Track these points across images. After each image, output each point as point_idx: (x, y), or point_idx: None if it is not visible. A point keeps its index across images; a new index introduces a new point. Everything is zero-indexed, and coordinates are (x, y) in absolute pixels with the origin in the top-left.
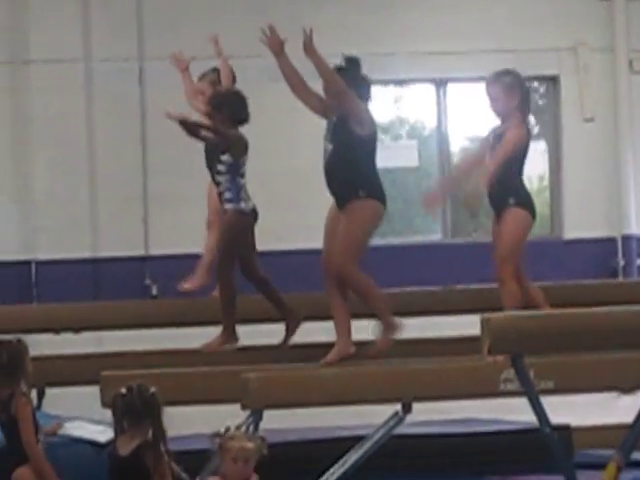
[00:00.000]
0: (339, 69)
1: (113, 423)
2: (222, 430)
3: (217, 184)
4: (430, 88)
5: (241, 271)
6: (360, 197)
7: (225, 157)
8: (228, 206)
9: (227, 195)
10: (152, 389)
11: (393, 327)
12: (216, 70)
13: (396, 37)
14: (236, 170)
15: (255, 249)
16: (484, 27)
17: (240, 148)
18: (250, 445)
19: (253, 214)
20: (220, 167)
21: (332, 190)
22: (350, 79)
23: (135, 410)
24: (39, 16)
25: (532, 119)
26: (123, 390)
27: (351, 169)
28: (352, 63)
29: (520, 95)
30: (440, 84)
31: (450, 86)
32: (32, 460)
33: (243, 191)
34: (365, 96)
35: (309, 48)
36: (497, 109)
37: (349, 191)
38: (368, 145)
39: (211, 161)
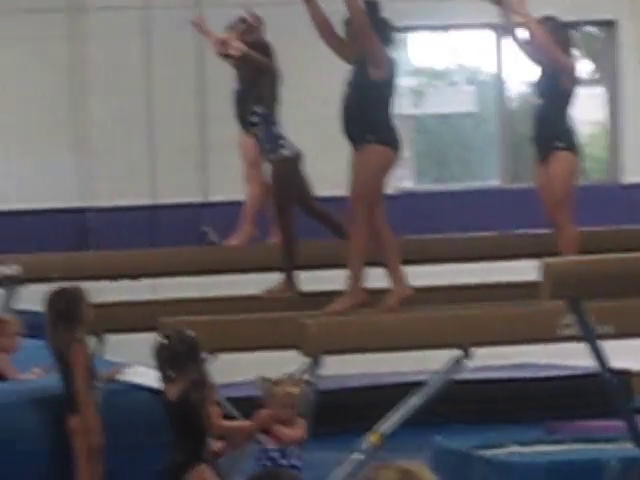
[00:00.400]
0: None
1: (158, 370)
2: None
3: (255, 137)
4: (489, 34)
5: (305, 213)
6: (369, 142)
7: (258, 108)
8: (271, 157)
9: (267, 146)
10: (191, 333)
11: (402, 282)
12: (245, 21)
13: None
14: (270, 119)
15: (309, 188)
16: None
17: (272, 96)
18: (295, 390)
19: (297, 157)
20: (254, 119)
21: (346, 134)
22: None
23: (177, 356)
24: None
25: (589, 64)
26: (163, 338)
27: (362, 114)
28: (371, 7)
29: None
30: (498, 29)
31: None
32: (80, 407)
33: (281, 138)
34: (386, 40)
35: None
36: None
37: (359, 136)
38: (383, 90)
39: (243, 114)
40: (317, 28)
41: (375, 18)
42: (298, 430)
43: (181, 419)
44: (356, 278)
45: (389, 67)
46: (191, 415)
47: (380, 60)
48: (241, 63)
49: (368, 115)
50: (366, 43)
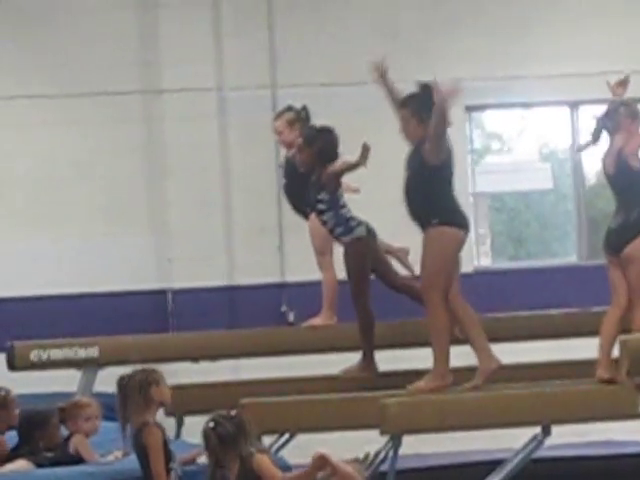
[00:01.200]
0: (412, 96)
1: (207, 455)
2: (361, 456)
3: (324, 223)
4: (564, 110)
5: (388, 286)
6: (434, 225)
7: (322, 195)
8: (344, 239)
9: (338, 230)
10: (234, 412)
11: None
12: (292, 109)
13: (528, 60)
14: (337, 203)
15: (387, 262)
16: (617, 48)
17: (333, 181)
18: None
19: (370, 235)
20: (321, 206)
21: (412, 217)
22: (424, 105)
23: (229, 437)
24: (171, 46)
25: None
26: (211, 424)
27: (424, 197)
28: (426, 90)
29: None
30: (573, 106)
31: (583, 108)
32: None
33: (351, 219)
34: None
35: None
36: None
37: (424, 219)
38: (442, 172)
39: (308, 203)
40: (393, 107)
41: (430, 102)
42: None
43: None
44: (441, 360)
45: (446, 149)
46: None
47: (438, 148)
48: (301, 146)
49: (429, 198)
50: (432, 138)
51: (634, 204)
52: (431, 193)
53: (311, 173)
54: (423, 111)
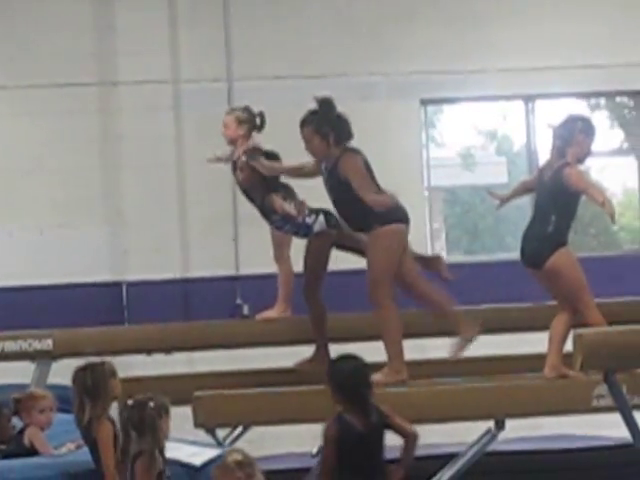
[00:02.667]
0: (312, 113)
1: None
2: (315, 450)
3: (285, 232)
4: (519, 104)
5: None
6: (376, 228)
7: (275, 216)
8: (310, 237)
9: (300, 234)
10: (151, 403)
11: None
12: (247, 110)
13: (485, 54)
14: (292, 219)
15: (356, 240)
16: (573, 43)
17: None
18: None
19: (330, 223)
20: (277, 224)
21: (354, 229)
22: (324, 120)
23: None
24: (127, 38)
25: (620, 133)
26: (130, 402)
27: (356, 210)
28: (326, 104)
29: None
30: (529, 100)
31: (538, 102)
32: None
33: (311, 218)
34: (345, 135)
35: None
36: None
37: (366, 228)
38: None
39: (266, 215)
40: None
41: (332, 116)
42: None
43: None
44: (395, 356)
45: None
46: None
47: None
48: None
49: (362, 209)
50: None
51: (551, 217)
52: (361, 205)
53: (253, 190)
54: (324, 126)
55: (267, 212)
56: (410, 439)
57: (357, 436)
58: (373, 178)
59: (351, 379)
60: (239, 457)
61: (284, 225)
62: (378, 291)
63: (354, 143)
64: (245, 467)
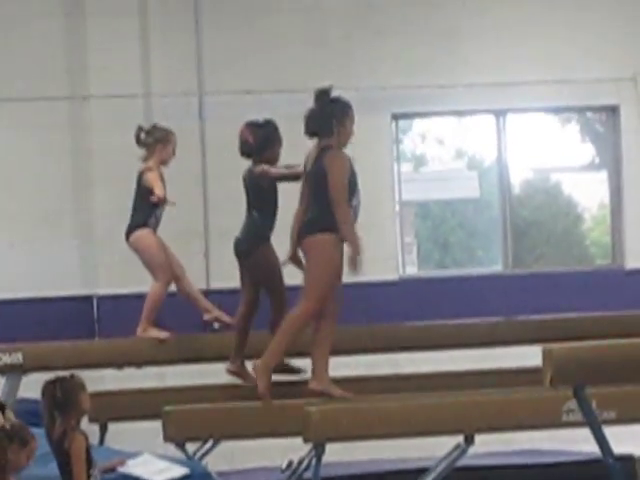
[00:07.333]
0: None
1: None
2: (284, 464)
3: None
4: (490, 119)
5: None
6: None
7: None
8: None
9: None
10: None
11: (322, 384)
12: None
13: (456, 68)
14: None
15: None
16: (543, 58)
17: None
18: None
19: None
20: None
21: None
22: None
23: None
24: (99, 52)
25: (591, 148)
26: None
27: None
28: (324, 94)
29: None
30: (500, 115)
31: (510, 117)
32: None
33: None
34: (345, 116)
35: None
36: None
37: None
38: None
39: None
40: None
41: (328, 103)
42: None
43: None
44: (324, 367)
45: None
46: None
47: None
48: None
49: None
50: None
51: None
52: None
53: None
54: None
55: None
56: None
57: None
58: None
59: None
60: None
61: None
62: (316, 304)
63: None
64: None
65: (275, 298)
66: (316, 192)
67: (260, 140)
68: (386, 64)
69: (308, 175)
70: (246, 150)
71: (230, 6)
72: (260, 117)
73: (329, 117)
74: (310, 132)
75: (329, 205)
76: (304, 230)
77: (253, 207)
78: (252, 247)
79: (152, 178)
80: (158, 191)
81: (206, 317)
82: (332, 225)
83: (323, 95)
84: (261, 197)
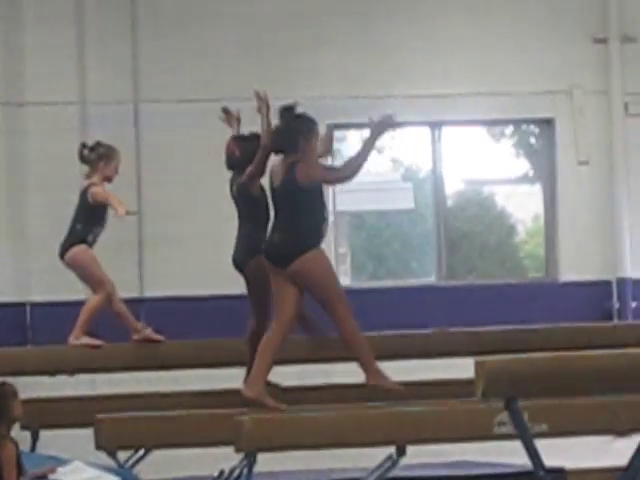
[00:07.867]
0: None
1: None
2: (216, 474)
3: None
4: (425, 131)
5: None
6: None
7: None
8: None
9: None
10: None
11: (255, 392)
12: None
13: (391, 80)
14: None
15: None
16: (479, 70)
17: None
18: None
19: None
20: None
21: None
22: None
23: None
24: (34, 59)
25: (526, 161)
26: None
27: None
28: (288, 111)
29: None
30: (435, 127)
31: (445, 129)
32: None
33: None
34: (311, 133)
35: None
36: None
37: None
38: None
39: None
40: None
41: (293, 120)
42: None
43: None
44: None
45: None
46: None
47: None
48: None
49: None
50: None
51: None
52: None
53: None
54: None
55: None
56: None
57: None
58: None
59: None
60: None
61: None
62: (339, 307)
63: None
64: None
65: (259, 311)
66: (286, 207)
67: (246, 153)
68: (322, 75)
69: (276, 191)
70: (232, 163)
71: (167, 15)
72: (194, 126)
73: (296, 133)
74: (276, 149)
75: (300, 217)
76: (284, 252)
77: (245, 219)
78: (247, 258)
79: (104, 194)
80: (118, 204)
81: (135, 337)
82: (311, 240)
83: (288, 111)
84: (253, 207)
